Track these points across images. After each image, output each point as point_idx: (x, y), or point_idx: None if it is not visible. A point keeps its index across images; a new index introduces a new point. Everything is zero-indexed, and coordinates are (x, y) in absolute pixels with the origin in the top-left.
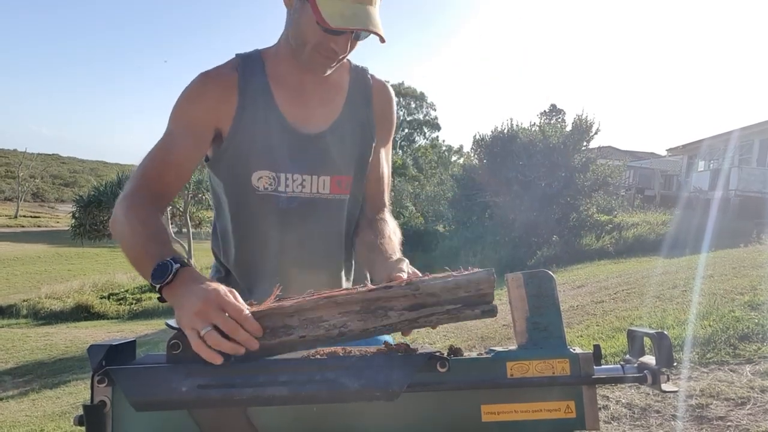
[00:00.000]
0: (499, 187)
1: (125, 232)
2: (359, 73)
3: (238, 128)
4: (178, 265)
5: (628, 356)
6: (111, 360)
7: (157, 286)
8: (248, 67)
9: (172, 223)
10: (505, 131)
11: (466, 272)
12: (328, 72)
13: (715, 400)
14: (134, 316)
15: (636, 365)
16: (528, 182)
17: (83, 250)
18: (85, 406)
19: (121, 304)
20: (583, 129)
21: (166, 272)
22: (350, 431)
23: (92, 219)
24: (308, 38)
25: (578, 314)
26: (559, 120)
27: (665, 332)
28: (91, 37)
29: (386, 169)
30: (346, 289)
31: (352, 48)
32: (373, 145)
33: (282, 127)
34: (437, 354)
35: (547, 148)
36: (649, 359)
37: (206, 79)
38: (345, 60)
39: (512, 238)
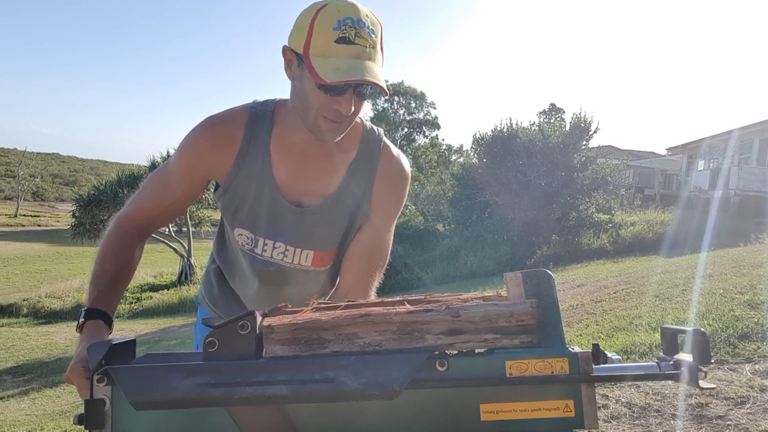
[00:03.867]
0: (499, 186)
1: (98, 252)
2: (369, 147)
3: (230, 185)
4: (83, 319)
5: (661, 354)
6: (110, 359)
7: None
8: (256, 127)
9: (172, 223)
10: (505, 130)
11: (509, 301)
12: (337, 139)
13: (714, 399)
14: (134, 315)
15: (671, 362)
16: (528, 181)
17: (83, 249)
18: (86, 401)
19: (120, 303)
20: (582, 128)
21: (78, 319)
22: (349, 430)
23: (92, 218)
24: (311, 102)
25: (577, 313)
26: (559, 119)
27: (702, 329)
28: (91, 35)
29: (379, 254)
30: (383, 305)
31: (357, 109)
32: (363, 222)
33: (272, 197)
34: (436, 352)
35: (547, 147)
36: (684, 356)
37: (210, 131)
38: (358, 126)
39: (512, 237)
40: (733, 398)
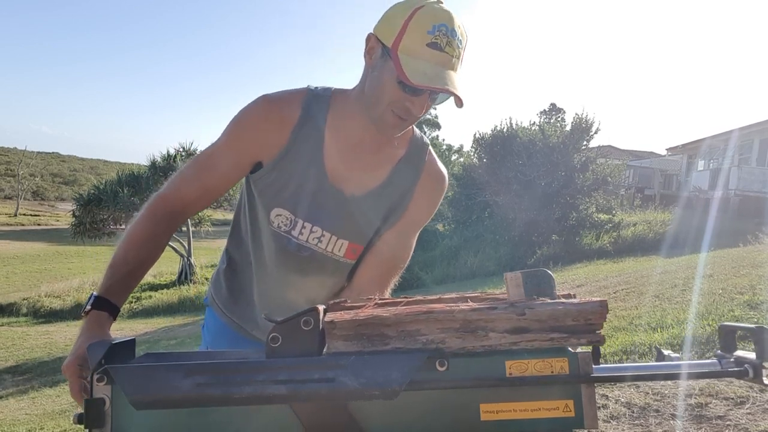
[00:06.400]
0: (499, 186)
1: (124, 238)
2: (417, 149)
3: (278, 165)
4: (89, 307)
5: (719, 351)
6: (110, 358)
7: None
8: (313, 107)
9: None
10: (505, 130)
11: (577, 300)
12: (397, 134)
13: (714, 399)
14: (134, 314)
15: (733, 360)
16: (528, 181)
17: (83, 248)
18: (86, 400)
19: None
20: (583, 128)
21: (85, 305)
22: (349, 429)
23: (92, 217)
24: (386, 95)
25: None
26: (559, 119)
27: (766, 327)
28: (91, 35)
29: (402, 256)
30: (443, 301)
31: (426, 110)
32: (395, 222)
33: (319, 180)
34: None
35: (547, 147)
36: (745, 353)
37: (266, 109)
38: (409, 129)
39: (512, 237)
40: (732, 398)
